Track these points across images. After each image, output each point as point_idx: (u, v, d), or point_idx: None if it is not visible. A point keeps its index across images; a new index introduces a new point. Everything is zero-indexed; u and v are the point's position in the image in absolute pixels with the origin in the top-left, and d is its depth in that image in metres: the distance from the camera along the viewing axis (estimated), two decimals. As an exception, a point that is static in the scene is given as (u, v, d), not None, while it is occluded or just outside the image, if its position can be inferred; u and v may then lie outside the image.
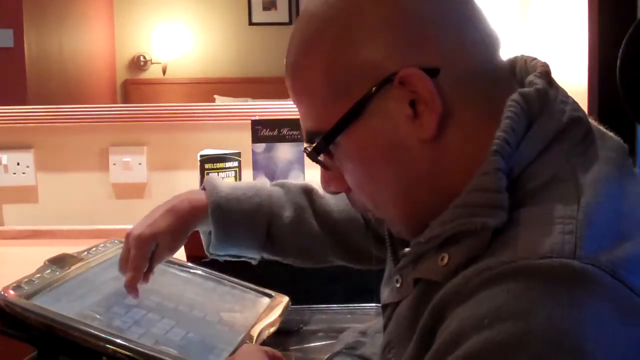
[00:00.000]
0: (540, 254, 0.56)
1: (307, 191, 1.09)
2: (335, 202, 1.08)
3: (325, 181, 0.76)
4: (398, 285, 0.72)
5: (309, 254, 1.10)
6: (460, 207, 0.63)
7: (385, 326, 0.76)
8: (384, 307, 0.77)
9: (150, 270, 1.03)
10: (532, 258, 0.56)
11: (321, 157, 0.72)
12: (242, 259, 1.11)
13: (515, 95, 0.65)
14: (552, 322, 0.53)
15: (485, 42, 0.69)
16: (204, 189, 1.07)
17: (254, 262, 1.11)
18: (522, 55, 0.74)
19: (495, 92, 0.67)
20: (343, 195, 0.79)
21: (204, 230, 1.08)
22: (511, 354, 0.53)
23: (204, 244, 1.10)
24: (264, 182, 1.11)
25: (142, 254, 1.01)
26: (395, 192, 0.69)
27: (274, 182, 1.11)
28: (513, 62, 0.73)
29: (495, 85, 0.68)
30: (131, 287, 1.00)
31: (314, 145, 0.71)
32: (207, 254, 1.09)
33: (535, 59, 0.72)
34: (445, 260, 0.63)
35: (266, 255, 1.10)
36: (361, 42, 0.66)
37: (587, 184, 0.62)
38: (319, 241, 1.08)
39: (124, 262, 1.02)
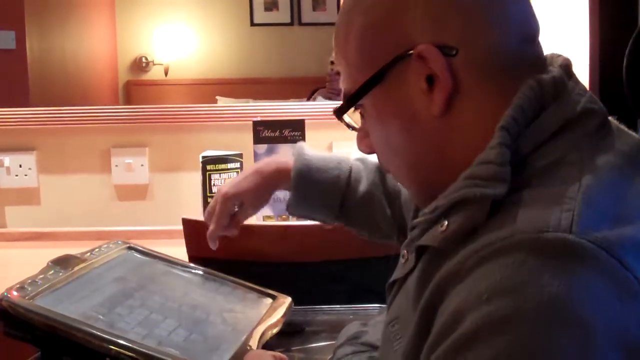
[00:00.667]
0: (536, 228, 0.57)
1: (381, 169, 1.15)
2: None
3: (357, 140, 0.81)
4: (403, 260, 0.75)
5: (377, 229, 1.16)
6: (466, 179, 0.65)
7: (390, 304, 0.77)
8: (390, 285, 0.78)
9: (234, 225, 1.16)
10: (528, 232, 0.57)
11: (352, 117, 0.78)
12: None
13: (530, 80, 0.67)
14: (549, 294, 0.54)
15: (514, 29, 0.69)
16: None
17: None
18: (552, 53, 0.75)
19: (514, 77, 0.68)
20: None
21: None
22: (511, 327, 0.54)
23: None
24: (345, 156, 1.19)
25: (225, 210, 1.14)
26: (407, 160, 0.73)
27: (355, 157, 1.18)
28: (544, 58, 0.74)
29: (515, 71, 0.68)
30: (211, 238, 1.15)
31: (340, 105, 0.76)
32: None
33: (560, 55, 0.74)
34: (444, 227, 0.65)
35: (339, 222, 1.18)
36: (391, 16, 0.69)
37: (593, 169, 0.62)
38: (386, 219, 1.14)
39: (209, 214, 1.16)
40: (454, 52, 0.67)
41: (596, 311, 0.54)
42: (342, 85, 0.77)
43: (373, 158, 1.17)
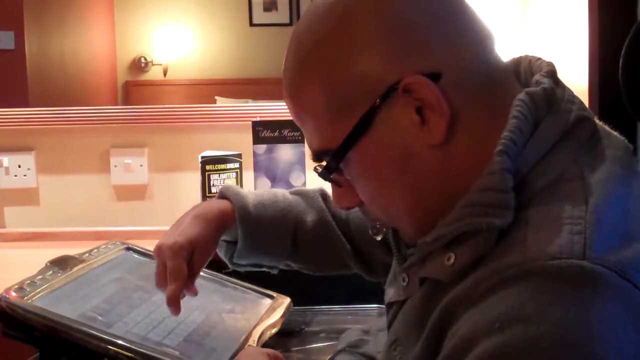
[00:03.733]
0: (549, 255, 0.56)
1: (324, 196, 1.09)
2: None
3: (337, 198, 0.75)
4: (404, 284, 0.72)
5: (330, 258, 1.08)
6: (466, 207, 0.63)
7: (389, 324, 0.76)
8: (389, 305, 0.77)
9: (192, 280, 0.96)
10: (541, 259, 0.56)
11: (333, 175, 0.72)
12: (263, 269, 1.08)
13: (522, 95, 0.65)
14: (562, 324, 0.53)
15: (481, 42, 0.68)
16: (222, 197, 1.05)
17: (273, 272, 1.10)
18: (527, 56, 0.73)
19: (498, 91, 0.67)
20: None
21: (226, 239, 1.06)
22: (523, 357, 0.53)
23: (223, 254, 1.07)
24: (281, 190, 1.10)
25: (180, 264, 0.94)
26: (407, 200, 0.69)
27: (290, 190, 1.11)
28: (517, 62, 0.73)
29: (498, 85, 0.67)
30: (173, 301, 0.93)
31: (325, 164, 0.70)
32: (229, 265, 1.07)
33: (539, 58, 0.72)
34: (452, 261, 0.63)
35: (288, 263, 1.08)
36: (357, 57, 0.66)
37: (595, 184, 0.61)
38: (339, 244, 1.07)
39: (161, 277, 0.95)
40: (438, 77, 0.64)
41: (609, 339, 0.53)
42: (310, 143, 0.72)
43: (297, 181, 1.12)
